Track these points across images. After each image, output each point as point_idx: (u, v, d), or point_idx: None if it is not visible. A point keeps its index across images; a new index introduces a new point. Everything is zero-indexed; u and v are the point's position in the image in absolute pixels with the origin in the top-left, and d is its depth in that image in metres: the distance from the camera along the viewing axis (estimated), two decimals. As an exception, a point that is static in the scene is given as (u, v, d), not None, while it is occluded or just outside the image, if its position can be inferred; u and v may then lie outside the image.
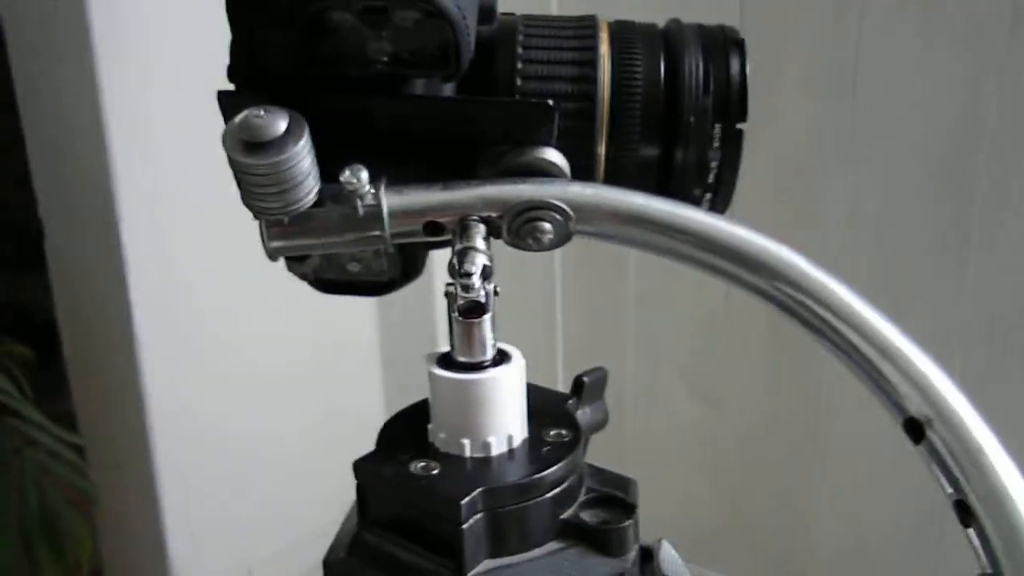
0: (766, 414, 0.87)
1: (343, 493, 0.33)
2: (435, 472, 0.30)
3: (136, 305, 0.80)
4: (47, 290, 0.90)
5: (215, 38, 0.30)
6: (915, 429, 0.28)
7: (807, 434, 0.86)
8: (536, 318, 0.94)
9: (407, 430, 0.32)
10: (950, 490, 0.28)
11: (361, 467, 0.31)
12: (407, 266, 0.33)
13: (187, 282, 0.82)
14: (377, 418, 0.34)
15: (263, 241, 0.29)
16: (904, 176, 0.79)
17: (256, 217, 0.29)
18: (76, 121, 0.78)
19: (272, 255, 0.30)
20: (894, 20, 0.76)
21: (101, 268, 0.82)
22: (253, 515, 0.89)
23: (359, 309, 0.95)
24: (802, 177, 0.83)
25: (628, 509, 0.31)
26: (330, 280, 0.33)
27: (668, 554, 0.33)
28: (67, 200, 0.86)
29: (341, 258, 0.32)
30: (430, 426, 0.32)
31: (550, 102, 0.30)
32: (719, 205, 0.32)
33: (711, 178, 0.32)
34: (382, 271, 0.32)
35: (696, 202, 0.32)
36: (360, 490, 0.31)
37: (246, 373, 0.87)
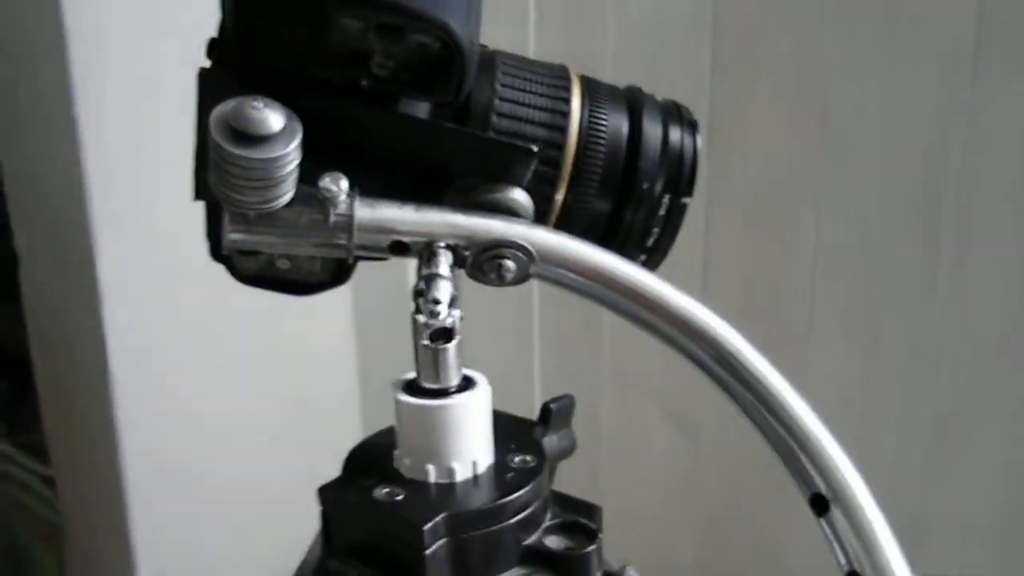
0: (743, 445, 0.87)
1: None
2: (399, 498, 0.30)
3: (110, 339, 0.79)
4: (21, 322, 0.89)
5: (197, 59, 0.30)
6: (819, 505, 0.31)
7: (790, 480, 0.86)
8: (512, 347, 0.94)
9: (373, 456, 0.32)
10: (844, 562, 0.31)
11: (326, 493, 0.31)
12: (337, 271, 0.33)
13: (163, 317, 0.82)
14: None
15: (223, 231, 0.29)
16: (874, 205, 0.80)
17: (221, 203, 0.28)
18: (52, 155, 0.79)
19: (228, 247, 0.29)
20: (864, 48, 0.78)
21: (75, 301, 0.81)
22: (225, 552, 0.88)
23: (337, 341, 0.95)
24: (772, 206, 0.84)
25: (591, 535, 0.31)
26: (255, 273, 0.33)
27: (633, 581, 0.33)
28: (42, 233, 0.85)
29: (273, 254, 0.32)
30: (396, 452, 0.32)
31: (533, 147, 0.31)
32: (649, 267, 0.34)
33: (650, 242, 0.34)
34: (312, 272, 0.32)
35: (631, 260, 0.33)
36: (324, 516, 0.31)
37: (221, 410, 0.87)
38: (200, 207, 0.31)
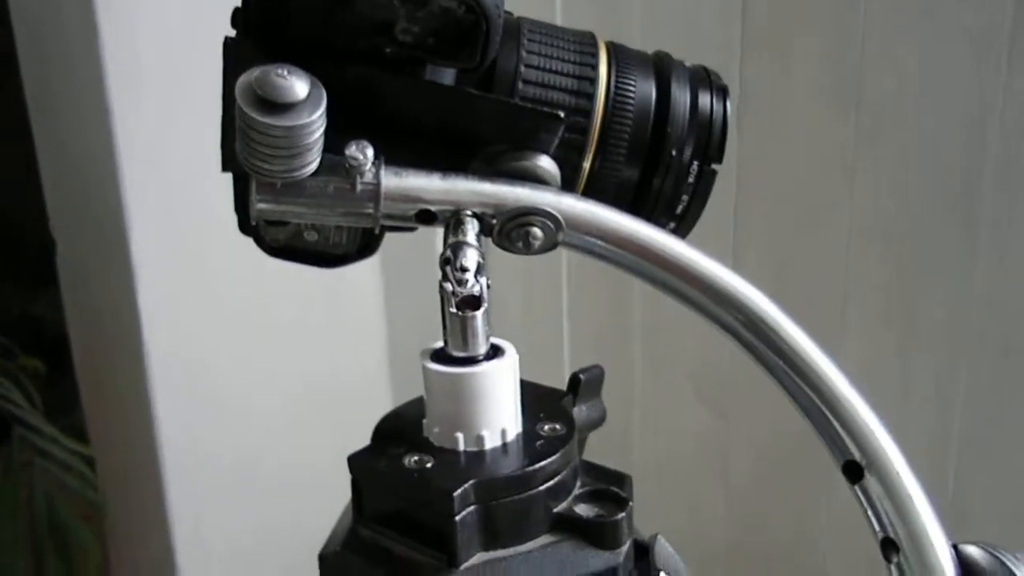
0: (778, 425, 0.87)
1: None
2: (429, 465, 0.30)
3: (146, 318, 0.80)
4: (59, 304, 0.90)
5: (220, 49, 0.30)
6: (853, 472, 0.31)
7: (819, 448, 0.85)
8: (541, 324, 0.94)
9: (403, 426, 0.33)
10: (878, 528, 0.31)
11: (356, 461, 0.31)
12: (365, 243, 0.33)
13: (197, 296, 0.83)
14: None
15: (250, 201, 0.29)
16: (910, 183, 0.79)
17: (248, 173, 0.28)
18: (87, 139, 0.79)
19: (255, 217, 0.29)
20: (899, 28, 0.76)
21: (112, 282, 0.82)
22: (263, 526, 0.89)
23: (368, 322, 0.96)
24: (804, 185, 0.83)
25: (621, 502, 0.31)
26: (282, 245, 0.33)
27: (664, 549, 0.33)
28: (78, 216, 0.86)
29: (300, 225, 0.32)
30: (425, 421, 0.32)
31: (561, 113, 0.30)
32: (679, 234, 0.34)
33: (679, 209, 0.33)
34: (339, 244, 0.32)
35: (660, 228, 0.33)
36: (355, 484, 0.31)
37: (256, 386, 0.88)
38: (229, 186, 0.32)
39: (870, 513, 0.31)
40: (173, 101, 0.76)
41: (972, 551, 0.31)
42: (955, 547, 0.31)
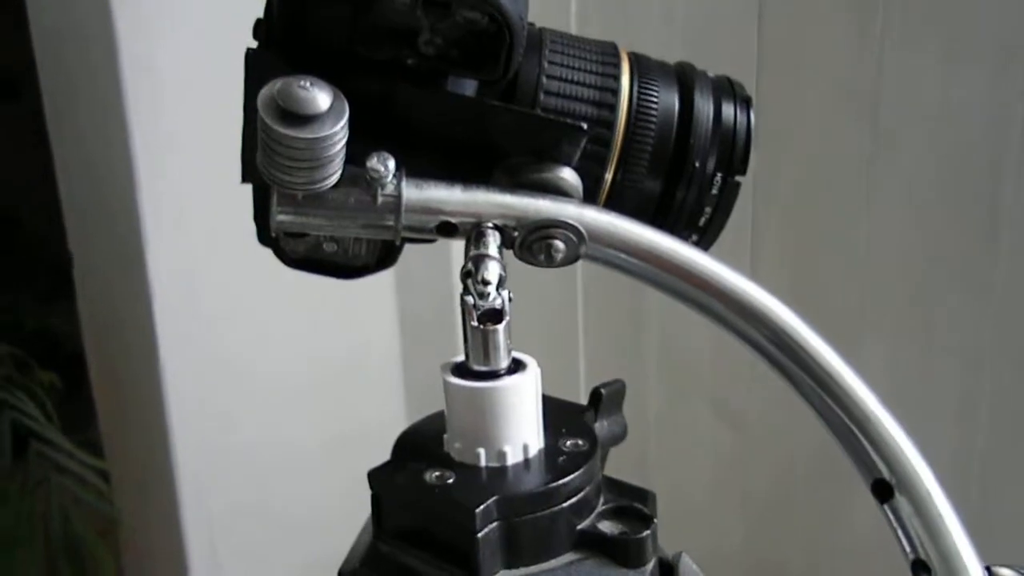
0: (800, 443, 0.86)
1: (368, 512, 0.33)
2: (450, 481, 0.30)
3: (162, 333, 0.80)
4: (75, 318, 0.91)
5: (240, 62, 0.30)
6: (883, 491, 0.30)
7: (844, 466, 0.84)
8: (556, 339, 0.93)
9: (423, 440, 0.32)
10: (908, 549, 0.30)
11: (376, 476, 0.31)
12: (384, 254, 0.32)
13: (212, 310, 0.83)
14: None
15: (271, 212, 0.29)
16: (928, 194, 0.78)
17: (269, 184, 0.28)
18: (105, 152, 0.80)
19: (276, 228, 0.29)
20: (917, 38, 0.76)
21: (128, 297, 0.83)
22: (277, 540, 0.89)
23: (382, 327, 0.96)
24: (821, 197, 0.83)
25: (646, 520, 0.31)
26: (301, 256, 0.32)
27: (689, 568, 0.33)
28: (95, 229, 0.87)
29: (320, 237, 0.31)
30: (446, 436, 0.32)
31: (584, 125, 0.30)
32: (702, 247, 0.33)
33: (702, 222, 0.33)
34: (358, 256, 0.32)
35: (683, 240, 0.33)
36: (375, 500, 0.31)
37: (271, 400, 0.87)
38: (247, 197, 0.31)
39: (900, 534, 0.30)
40: (192, 112, 0.76)
41: (1006, 574, 0.30)
42: (988, 569, 0.30)
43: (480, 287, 0.29)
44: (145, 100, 0.76)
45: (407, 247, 0.32)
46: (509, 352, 0.30)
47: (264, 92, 0.27)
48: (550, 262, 0.30)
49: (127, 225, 0.79)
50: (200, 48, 0.76)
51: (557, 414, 0.33)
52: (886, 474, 0.30)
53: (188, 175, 0.78)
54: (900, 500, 0.30)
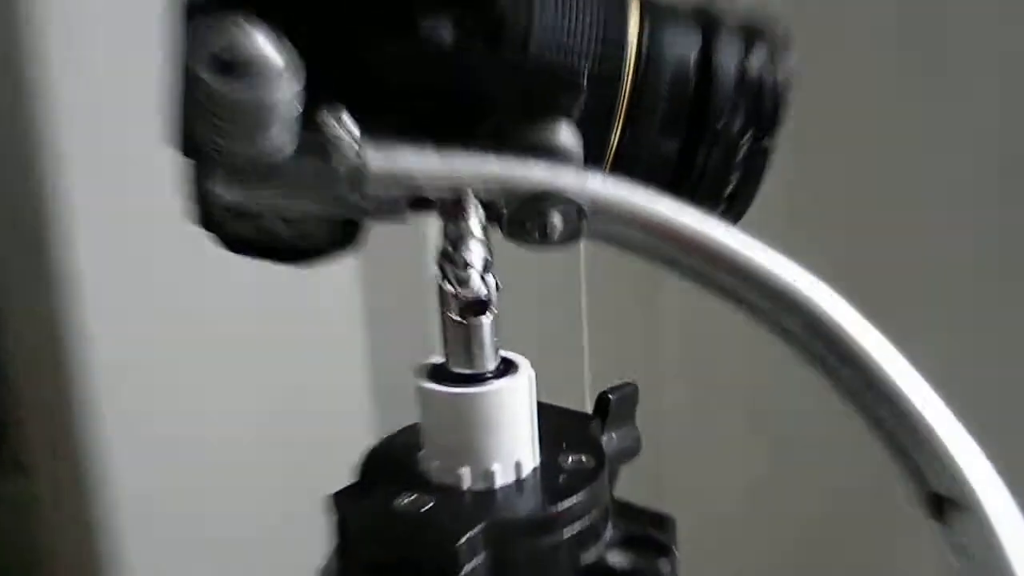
0: (850, 460, 0.85)
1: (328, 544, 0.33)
2: (428, 507, 0.30)
3: (92, 350, 0.81)
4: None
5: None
6: (937, 506, 0.30)
7: (901, 490, 0.84)
8: (555, 334, 0.93)
9: (395, 458, 0.32)
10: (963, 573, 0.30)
11: (339, 502, 0.31)
12: (345, 235, 0.32)
13: (146, 320, 0.83)
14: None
15: (215, 192, 0.28)
16: (983, 180, 0.79)
17: (207, 155, 0.28)
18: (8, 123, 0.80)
19: (220, 209, 0.29)
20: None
21: (52, 310, 0.83)
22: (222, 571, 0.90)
23: (343, 324, 0.96)
24: (868, 181, 0.83)
25: (663, 550, 0.31)
26: (247, 239, 0.32)
27: (715, 607, 0.32)
28: (2, 216, 0.87)
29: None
30: (421, 453, 0.31)
31: (582, 79, 0.30)
32: (729, 219, 0.33)
33: (728, 191, 0.33)
34: (314, 236, 0.32)
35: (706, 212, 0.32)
36: (338, 529, 0.31)
37: (215, 418, 0.88)
38: (175, 170, 0.31)
39: (953, 554, 0.30)
40: (111, 69, 0.75)
41: None
42: None
43: (460, 272, 0.29)
44: (56, 53, 0.75)
45: (374, 228, 0.32)
46: (497, 351, 0.30)
47: (198, 40, 0.26)
48: (546, 241, 0.30)
49: (40, 209, 0.79)
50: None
51: (556, 425, 0.33)
52: (943, 488, 0.30)
53: (107, 142, 0.78)
54: (958, 517, 0.30)
